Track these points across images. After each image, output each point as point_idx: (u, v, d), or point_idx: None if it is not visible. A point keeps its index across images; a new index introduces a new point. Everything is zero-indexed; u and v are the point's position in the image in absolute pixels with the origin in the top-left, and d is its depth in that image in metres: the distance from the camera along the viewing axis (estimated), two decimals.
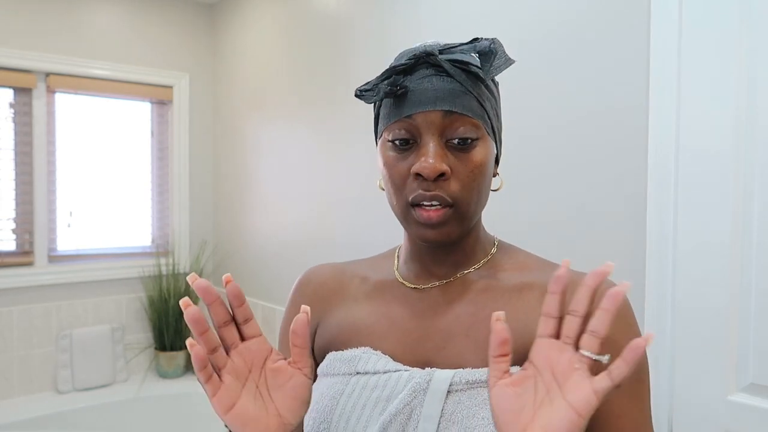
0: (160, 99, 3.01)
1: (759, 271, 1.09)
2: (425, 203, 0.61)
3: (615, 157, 1.32)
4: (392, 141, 0.64)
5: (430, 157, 0.60)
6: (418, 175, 0.61)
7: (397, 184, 0.64)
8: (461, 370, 0.61)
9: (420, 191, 0.61)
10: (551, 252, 1.43)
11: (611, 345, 0.60)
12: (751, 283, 1.11)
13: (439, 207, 0.61)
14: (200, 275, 3.03)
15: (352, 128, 2.14)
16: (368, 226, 2.06)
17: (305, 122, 2.41)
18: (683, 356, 1.20)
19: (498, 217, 1.56)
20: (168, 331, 2.88)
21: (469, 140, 0.62)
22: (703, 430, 1.17)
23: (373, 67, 2.02)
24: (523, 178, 1.51)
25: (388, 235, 1.96)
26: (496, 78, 0.69)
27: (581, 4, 1.38)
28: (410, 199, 0.62)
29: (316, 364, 0.73)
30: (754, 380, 1.10)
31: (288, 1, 2.51)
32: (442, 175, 0.60)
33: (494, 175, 0.69)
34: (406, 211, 0.63)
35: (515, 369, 0.59)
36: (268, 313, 2.66)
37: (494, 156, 0.66)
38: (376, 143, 0.69)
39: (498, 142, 0.67)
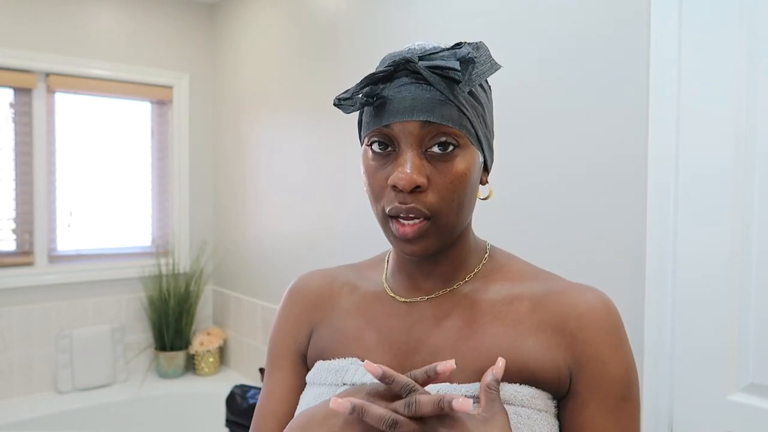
0: (160, 99, 3.01)
1: (759, 271, 1.09)
2: (401, 216, 0.59)
3: (615, 163, 1.32)
4: (371, 149, 0.63)
5: (407, 168, 0.58)
6: (395, 186, 0.59)
7: (376, 193, 0.62)
8: (447, 385, 0.60)
9: (396, 204, 0.59)
10: (554, 260, 1.44)
11: (599, 361, 0.60)
12: (750, 284, 1.11)
13: (415, 222, 0.59)
14: (200, 275, 3.05)
15: (352, 128, 2.14)
16: (368, 226, 2.06)
17: (305, 122, 2.41)
18: (683, 356, 1.20)
19: (499, 225, 1.56)
20: (168, 331, 2.88)
21: (449, 150, 0.60)
22: (703, 430, 1.17)
23: (373, 68, 2.02)
24: (524, 191, 1.51)
25: None
26: (494, 85, 0.67)
27: (579, 10, 1.38)
28: (387, 210, 0.60)
29: (306, 372, 0.72)
30: (754, 380, 1.10)
31: (288, 1, 2.51)
32: (418, 187, 0.58)
33: (483, 183, 0.67)
34: (384, 222, 0.62)
35: (513, 386, 0.59)
36: (268, 313, 2.66)
37: (480, 165, 0.64)
38: (362, 146, 0.67)
39: (486, 149, 0.65)
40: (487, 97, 0.66)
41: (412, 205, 0.59)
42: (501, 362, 0.58)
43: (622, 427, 0.60)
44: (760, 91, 1.09)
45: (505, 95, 1.54)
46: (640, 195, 1.27)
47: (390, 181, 0.59)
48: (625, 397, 0.60)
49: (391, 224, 0.61)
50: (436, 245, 0.62)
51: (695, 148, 1.18)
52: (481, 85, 0.65)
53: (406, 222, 0.60)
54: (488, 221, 1.57)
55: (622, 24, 1.30)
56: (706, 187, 1.16)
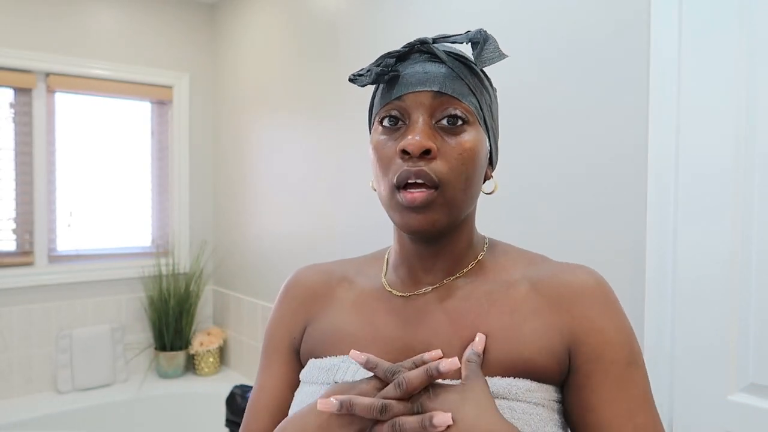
0: (160, 99, 3.01)
1: (759, 271, 1.09)
2: (410, 181, 0.59)
3: (615, 163, 1.32)
4: (382, 123, 0.64)
5: (417, 134, 0.59)
6: (404, 153, 0.60)
7: (385, 165, 0.62)
8: (440, 382, 0.58)
9: (405, 168, 0.59)
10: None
11: (597, 331, 0.60)
12: (750, 284, 1.11)
13: (423, 189, 0.59)
14: (200, 275, 3.05)
15: (352, 128, 2.14)
16: (368, 226, 2.06)
17: (305, 122, 2.41)
18: (683, 356, 1.20)
19: (499, 225, 1.56)
20: (168, 331, 2.88)
21: (459, 122, 0.61)
22: (703, 430, 1.17)
23: None
24: (524, 191, 1.51)
25: (387, 235, 1.96)
26: (494, 84, 0.69)
27: (579, 10, 1.38)
28: (395, 179, 0.60)
29: (301, 367, 0.72)
30: (754, 380, 1.10)
31: (288, 1, 2.51)
32: (428, 152, 0.59)
33: (488, 178, 0.68)
34: (391, 195, 0.62)
35: (507, 380, 0.59)
36: (268, 313, 2.66)
37: (486, 149, 0.65)
38: (370, 131, 0.68)
39: (491, 140, 0.66)
40: (494, 94, 0.68)
41: (421, 167, 0.59)
42: (479, 338, 0.60)
43: (632, 395, 0.59)
44: (760, 91, 1.09)
45: (505, 95, 1.53)
46: (640, 195, 1.27)
47: (400, 146, 0.60)
48: (630, 363, 0.60)
49: (398, 195, 0.61)
50: (443, 220, 0.61)
51: (695, 148, 1.18)
52: (489, 80, 0.67)
53: (414, 189, 0.60)
54: (488, 221, 1.57)
55: (622, 24, 1.30)
56: (706, 187, 1.16)
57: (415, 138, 0.59)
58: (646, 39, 1.26)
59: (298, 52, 2.44)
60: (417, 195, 0.59)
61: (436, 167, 0.60)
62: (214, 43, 3.14)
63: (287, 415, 0.69)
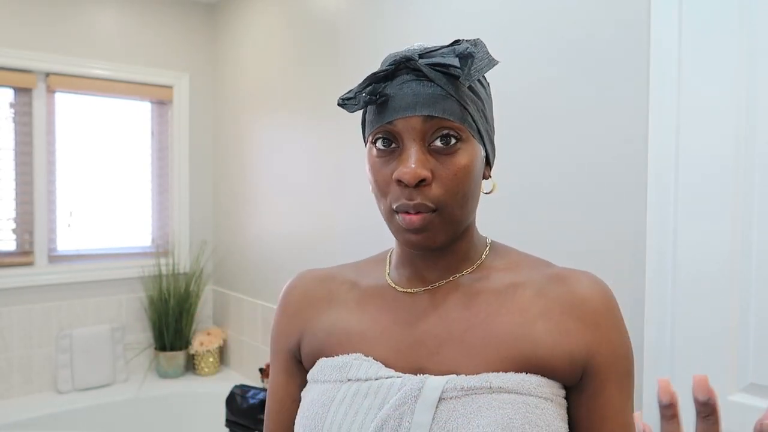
0: (160, 99, 3.01)
1: (759, 271, 1.09)
2: (408, 212, 0.61)
3: (615, 163, 1.33)
4: (376, 147, 0.64)
5: (411, 163, 0.60)
6: (399, 181, 0.61)
7: (382, 189, 0.64)
8: (454, 376, 0.60)
9: (403, 200, 0.61)
10: (554, 260, 1.44)
11: (609, 342, 0.63)
12: (750, 284, 1.11)
13: (421, 212, 0.61)
14: (200, 275, 3.05)
15: (352, 128, 2.14)
16: (368, 227, 2.06)
17: (305, 122, 2.41)
18: (683, 356, 1.20)
19: (500, 225, 1.56)
20: (168, 331, 2.88)
21: (452, 144, 0.61)
22: None
23: (373, 68, 2.02)
24: (525, 191, 1.51)
25: (387, 236, 1.96)
26: (487, 78, 0.68)
27: (579, 10, 1.38)
28: (394, 206, 0.62)
29: (306, 371, 0.73)
30: (754, 380, 1.10)
31: (288, 1, 2.51)
32: (423, 180, 0.60)
33: (486, 178, 0.69)
34: (391, 216, 0.64)
35: (520, 376, 0.60)
36: (268, 313, 2.66)
37: (482, 158, 0.65)
38: (365, 146, 0.69)
39: (487, 143, 0.66)
40: (486, 93, 0.68)
41: (418, 201, 0.60)
42: None
43: (629, 402, 0.64)
44: (760, 91, 1.09)
45: (506, 95, 1.54)
46: (640, 195, 1.27)
47: (395, 176, 0.61)
48: (629, 373, 0.64)
49: (397, 217, 0.62)
50: (442, 238, 0.63)
51: (695, 148, 1.18)
52: (480, 81, 0.66)
53: (413, 213, 0.61)
54: (488, 221, 1.57)
55: (622, 24, 1.30)
56: (706, 187, 1.16)
57: (410, 167, 0.59)
58: (646, 39, 1.26)
59: (298, 52, 2.44)
60: (415, 218, 0.60)
61: (432, 193, 0.60)
62: (214, 44, 3.15)
63: (287, 416, 0.72)
